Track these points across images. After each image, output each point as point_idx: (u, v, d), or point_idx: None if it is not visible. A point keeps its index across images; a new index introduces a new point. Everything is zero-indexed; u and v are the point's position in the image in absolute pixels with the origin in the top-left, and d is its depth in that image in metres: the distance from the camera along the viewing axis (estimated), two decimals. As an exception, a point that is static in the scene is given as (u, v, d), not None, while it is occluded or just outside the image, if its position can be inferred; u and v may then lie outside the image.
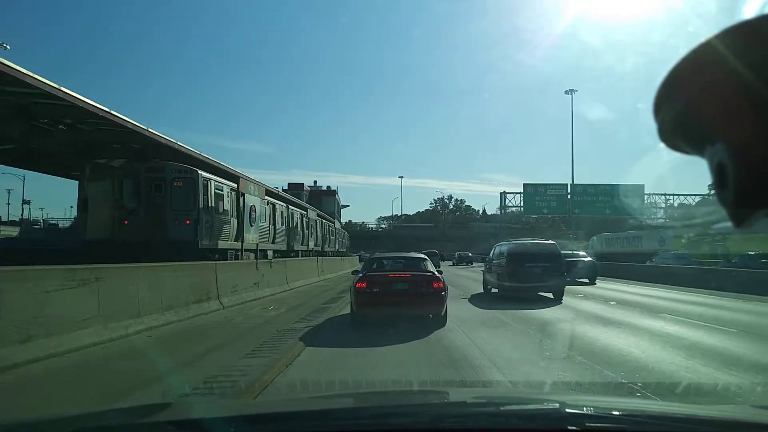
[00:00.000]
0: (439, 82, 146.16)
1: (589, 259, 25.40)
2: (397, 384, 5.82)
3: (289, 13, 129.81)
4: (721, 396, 5.32)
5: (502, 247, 17.11)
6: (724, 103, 0.61)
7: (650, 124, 0.71)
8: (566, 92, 50.60)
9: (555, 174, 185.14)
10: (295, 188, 56.41)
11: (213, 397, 4.99)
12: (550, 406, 1.99)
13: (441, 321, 9.61)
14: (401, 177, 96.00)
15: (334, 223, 45.71)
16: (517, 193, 58.19)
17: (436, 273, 10.25)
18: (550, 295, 15.52)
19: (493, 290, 16.76)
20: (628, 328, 9.77)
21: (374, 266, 10.92)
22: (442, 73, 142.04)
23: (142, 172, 15.96)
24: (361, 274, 10.22)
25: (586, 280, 23.13)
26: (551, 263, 15.45)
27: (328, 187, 72.76)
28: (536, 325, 10.08)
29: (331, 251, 40.72)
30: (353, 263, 31.91)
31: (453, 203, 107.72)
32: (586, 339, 8.53)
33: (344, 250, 52.25)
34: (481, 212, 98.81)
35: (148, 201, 15.78)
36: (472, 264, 45.67)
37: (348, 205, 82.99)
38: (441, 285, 9.81)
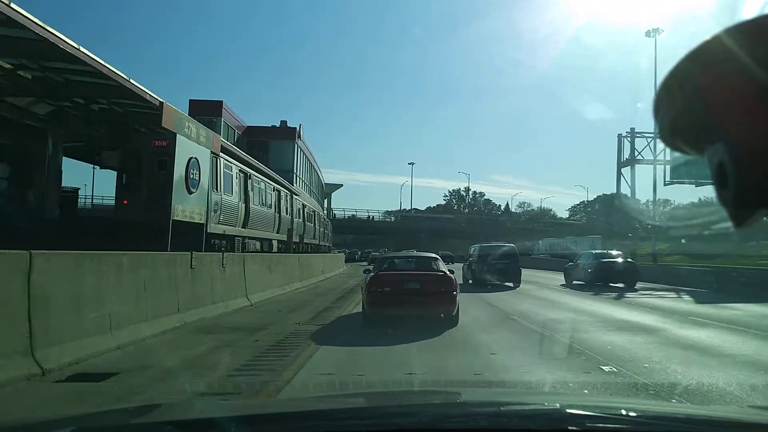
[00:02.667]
0: (444, 83, 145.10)
1: (625, 260, 22.95)
2: (398, 384, 5.97)
3: (302, 13, 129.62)
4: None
5: (475, 248, 23.22)
6: (730, 99, 0.60)
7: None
8: (647, 34, 42.74)
9: (569, 178, 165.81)
10: (202, 111, 29.95)
11: (213, 397, 5.16)
12: (551, 406, 2.03)
13: (453, 321, 9.87)
14: (411, 163, 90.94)
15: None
16: (647, 135, 34.77)
17: (448, 273, 10.46)
18: (511, 284, 20.92)
19: (470, 281, 21.98)
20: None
21: (385, 265, 11.33)
22: (444, 73, 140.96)
23: (146, 146, 14.52)
24: (372, 273, 10.62)
25: (622, 285, 21.10)
26: (510, 260, 21.74)
27: (283, 122, 44.67)
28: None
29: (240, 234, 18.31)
30: (311, 270, 21.19)
31: (470, 196, 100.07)
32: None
33: (297, 239, 27.22)
34: (503, 208, 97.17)
35: (151, 179, 14.15)
36: (453, 262, 48.86)
37: (341, 185, 73.89)
38: (453, 284, 10.09)
